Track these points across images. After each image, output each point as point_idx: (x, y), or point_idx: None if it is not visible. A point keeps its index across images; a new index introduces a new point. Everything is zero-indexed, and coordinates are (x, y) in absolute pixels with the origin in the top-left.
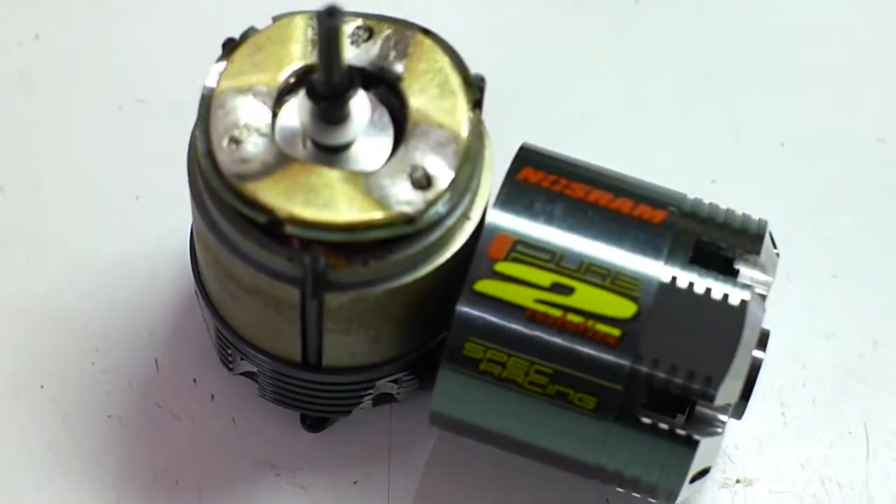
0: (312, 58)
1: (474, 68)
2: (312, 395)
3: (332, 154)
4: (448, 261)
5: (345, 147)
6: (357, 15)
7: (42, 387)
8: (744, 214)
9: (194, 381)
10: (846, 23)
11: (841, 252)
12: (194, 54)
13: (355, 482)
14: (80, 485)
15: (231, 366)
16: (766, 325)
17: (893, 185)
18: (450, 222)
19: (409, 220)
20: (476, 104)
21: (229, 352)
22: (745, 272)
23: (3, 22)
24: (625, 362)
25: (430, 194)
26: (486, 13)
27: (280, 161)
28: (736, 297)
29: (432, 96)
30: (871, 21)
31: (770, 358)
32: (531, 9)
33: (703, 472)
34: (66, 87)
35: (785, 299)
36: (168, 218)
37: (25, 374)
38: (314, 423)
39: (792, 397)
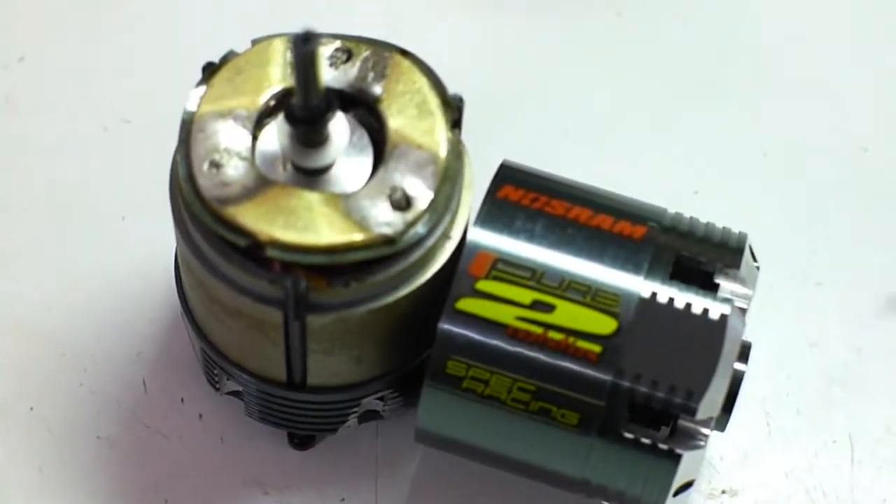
0: (292, 80)
1: (457, 84)
2: (298, 414)
3: (312, 176)
4: (429, 280)
5: (325, 169)
6: (335, 37)
7: (31, 409)
8: (724, 228)
9: (182, 400)
10: (829, 32)
11: (824, 261)
12: (179, 75)
13: (343, 499)
14: None
15: (218, 386)
16: (749, 335)
17: (876, 194)
18: (430, 242)
19: (389, 241)
20: (454, 124)
21: (215, 372)
22: (726, 286)
23: None
24: (606, 378)
25: (410, 215)
26: (469, 28)
27: (260, 184)
28: (716, 311)
29: (411, 117)
30: (854, 30)
31: (754, 368)
32: (513, 23)
33: (687, 485)
34: (52, 108)
35: (768, 308)
36: (155, 238)
37: (14, 395)
38: (301, 441)
39: (776, 407)
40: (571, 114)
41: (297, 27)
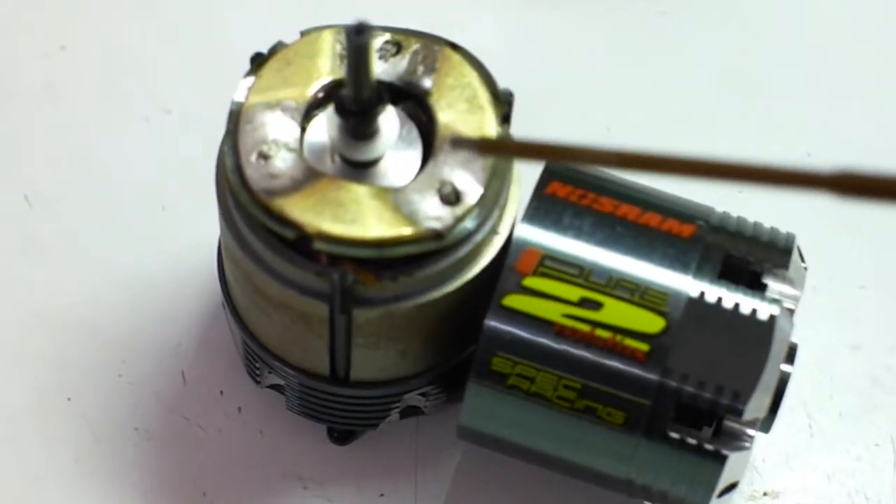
0: (341, 72)
1: (500, 81)
2: (340, 409)
3: (360, 169)
4: (476, 276)
5: (373, 162)
6: (385, 29)
7: (69, 399)
8: (772, 228)
9: (221, 393)
10: (873, 32)
11: (868, 263)
12: (221, 66)
13: (382, 495)
14: (107, 498)
15: (258, 379)
16: (792, 338)
17: None
18: (478, 237)
19: (437, 235)
20: (504, 119)
21: (257, 365)
22: (774, 286)
23: (30, 33)
24: (653, 377)
25: (459, 210)
26: (513, 25)
27: (308, 176)
28: (764, 311)
29: (461, 111)
30: None
31: (797, 370)
32: (557, 21)
33: (732, 487)
34: (92, 98)
35: (811, 311)
36: (195, 229)
37: (52, 386)
38: (341, 435)
39: (819, 409)
40: (614, 111)
41: (346, 18)
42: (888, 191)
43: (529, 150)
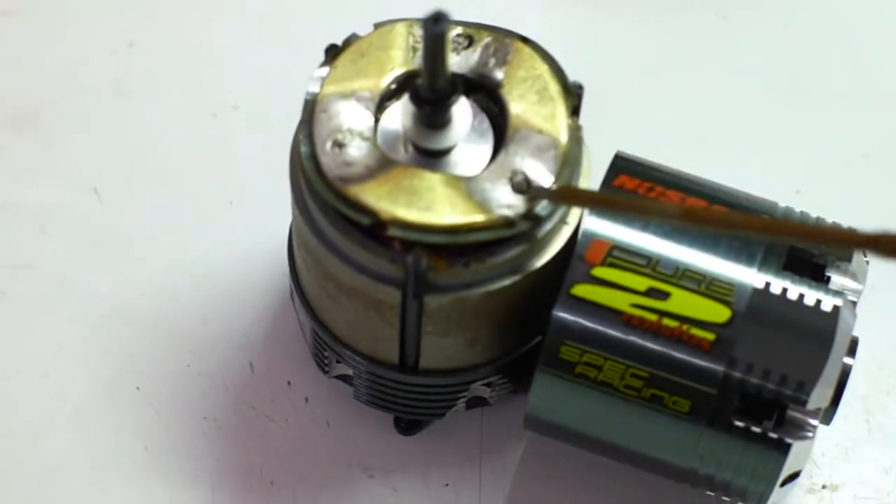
0: (414, 64)
1: None
2: (408, 398)
3: (433, 158)
4: (546, 265)
5: (446, 152)
6: (457, 23)
7: (138, 388)
8: (833, 223)
9: (288, 383)
10: None
11: None
12: (288, 63)
13: (447, 484)
14: (175, 485)
15: (326, 368)
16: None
17: None
18: (549, 226)
19: (509, 223)
20: (574, 111)
21: (325, 354)
22: (837, 279)
23: (98, 30)
24: (719, 367)
25: (530, 198)
26: (576, 26)
27: (382, 164)
28: (828, 303)
29: (532, 103)
30: None
31: (854, 366)
32: (621, 22)
33: (794, 476)
34: (161, 94)
35: (868, 309)
36: (261, 222)
37: (122, 376)
38: (407, 425)
39: (876, 404)
40: (675, 112)
41: (416, 11)
42: None
43: (601, 201)
